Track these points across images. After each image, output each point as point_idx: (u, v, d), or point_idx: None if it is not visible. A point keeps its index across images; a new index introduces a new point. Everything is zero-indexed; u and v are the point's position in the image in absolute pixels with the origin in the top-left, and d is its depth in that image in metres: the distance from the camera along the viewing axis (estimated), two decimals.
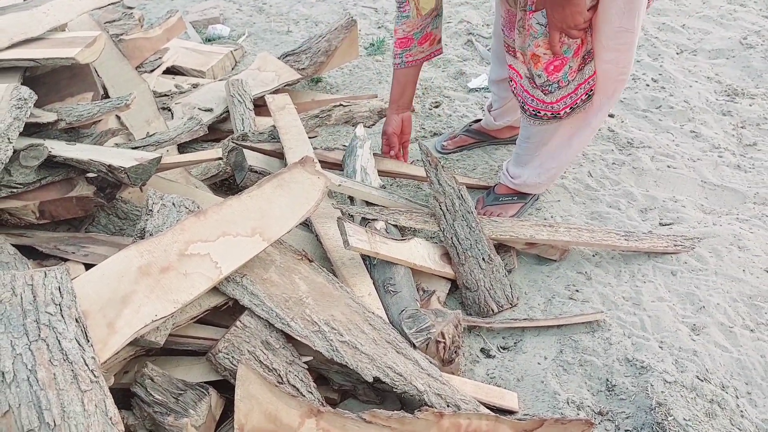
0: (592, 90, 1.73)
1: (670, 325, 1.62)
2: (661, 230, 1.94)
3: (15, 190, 1.47)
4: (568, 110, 1.76)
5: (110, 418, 0.96)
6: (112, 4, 2.07)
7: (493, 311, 1.68)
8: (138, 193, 1.69)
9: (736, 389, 1.47)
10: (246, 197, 1.41)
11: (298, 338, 1.33)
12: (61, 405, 0.97)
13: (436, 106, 2.59)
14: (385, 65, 2.86)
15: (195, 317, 1.30)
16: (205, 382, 1.27)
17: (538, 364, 1.57)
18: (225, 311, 1.37)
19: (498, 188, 2.02)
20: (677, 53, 2.82)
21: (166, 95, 2.33)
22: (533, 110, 1.80)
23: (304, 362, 1.35)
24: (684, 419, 1.36)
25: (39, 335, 1.03)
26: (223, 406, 1.29)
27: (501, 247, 1.82)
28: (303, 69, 2.51)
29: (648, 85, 2.62)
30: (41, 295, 1.08)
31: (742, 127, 2.36)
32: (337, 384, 1.41)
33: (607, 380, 1.51)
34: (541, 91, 1.72)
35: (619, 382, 1.50)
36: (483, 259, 1.71)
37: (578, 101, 1.74)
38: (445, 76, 2.77)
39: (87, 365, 1.00)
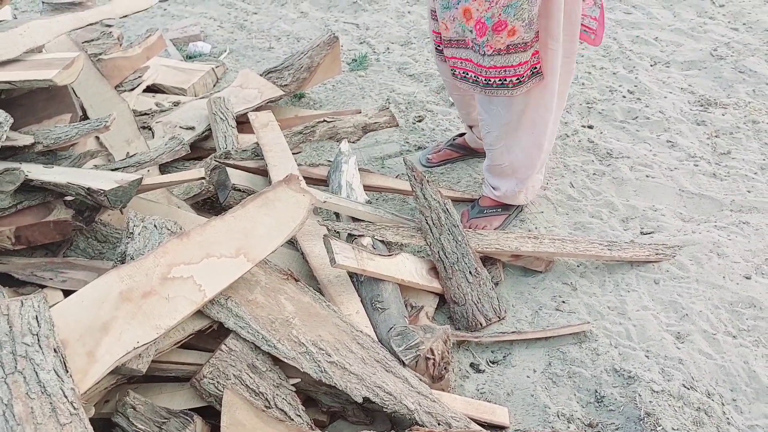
0: (520, 78, 1.75)
1: (655, 334, 1.64)
2: (643, 239, 1.96)
3: None
4: (497, 81, 1.77)
5: None
6: (91, 24, 2.04)
7: (481, 325, 1.68)
8: (118, 215, 1.66)
9: (721, 396, 1.49)
10: (230, 217, 1.39)
11: (286, 360, 1.31)
12: None
13: (420, 120, 2.60)
14: (368, 80, 2.87)
15: (178, 342, 1.27)
16: (190, 409, 1.24)
17: (528, 377, 1.57)
18: (209, 335, 1.35)
19: (482, 201, 2.04)
20: (651, 65, 2.87)
21: (146, 114, 2.30)
22: (482, 79, 1.79)
23: (292, 384, 1.32)
24: (672, 429, 1.37)
25: (15, 367, 0.99)
26: None
27: (487, 260, 1.82)
28: (286, 85, 2.50)
29: (624, 97, 2.66)
30: (17, 325, 1.05)
31: (716, 136, 2.41)
32: (325, 406, 1.39)
33: (596, 391, 1.51)
34: (473, 50, 1.76)
35: (608, 393, 1.50)
36: (470, 272, 1.71)
37: (508, 79, 1.76)
38: (427, 90, 2.80)
39: (66, 397, 0.97)
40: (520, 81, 1.76)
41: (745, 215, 2.03)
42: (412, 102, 2.70)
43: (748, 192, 2.13)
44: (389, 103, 2.70)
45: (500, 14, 1.65)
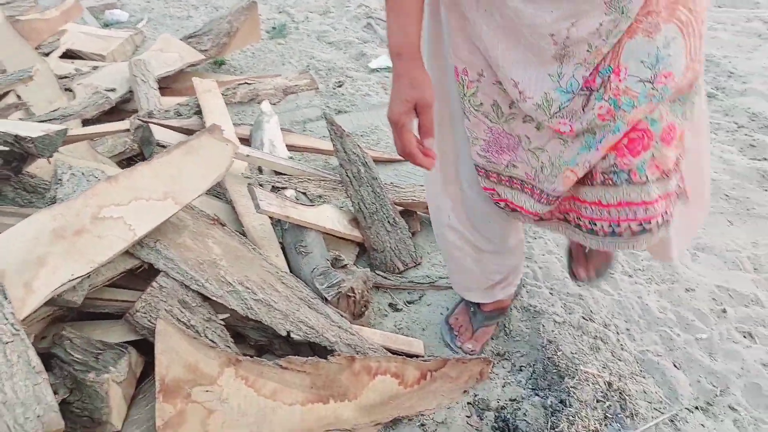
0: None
1: (558, 275, 1.80)
2: None
3: None
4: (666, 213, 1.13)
5: (33, 367, 1.00)
6: None
7: (399, 269, 1.81)
8: (46, 168, 1.67)
9: (616, 327, 1.64)
10: (156, 163, 1.44)
11: (213, 298, 1.38)
12: None
13: (339, 86, 2.69)
14: (287, 48, 2.93)
15: (111, 279, 1.32)
16: (124, 342, 1.29)
17: (441, 314, 1.70)
18: (140, 276, 1.40)
19: None
20: None
21: (66, 77, 2.28)
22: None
23: (221, 320, 1.40)
24: (571, 353, 1.52)
25: None
26: (143, 365, 1.32)
27: (405, 212, 1.95)
28: (206, 50, 2.54)
29: None
30: None
31: None
32: (253, 340, 1.47)
33: (505, 326, 1.65)
34: (601, 184, 1.11)
35: (516, 327, 1.64)
36: (388, 222, 1.84)
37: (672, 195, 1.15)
38: (347, 57, 2.89)
39: (7, 319, 1.02)
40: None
41: None
42: (331, 68, 2.79)
43: None
44: (309, 69, 2.78)
45: (667, 113, 1.08)
